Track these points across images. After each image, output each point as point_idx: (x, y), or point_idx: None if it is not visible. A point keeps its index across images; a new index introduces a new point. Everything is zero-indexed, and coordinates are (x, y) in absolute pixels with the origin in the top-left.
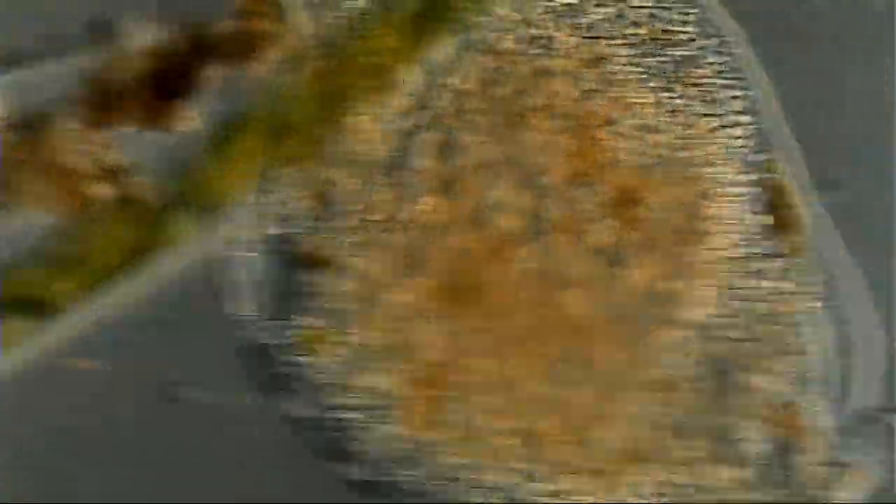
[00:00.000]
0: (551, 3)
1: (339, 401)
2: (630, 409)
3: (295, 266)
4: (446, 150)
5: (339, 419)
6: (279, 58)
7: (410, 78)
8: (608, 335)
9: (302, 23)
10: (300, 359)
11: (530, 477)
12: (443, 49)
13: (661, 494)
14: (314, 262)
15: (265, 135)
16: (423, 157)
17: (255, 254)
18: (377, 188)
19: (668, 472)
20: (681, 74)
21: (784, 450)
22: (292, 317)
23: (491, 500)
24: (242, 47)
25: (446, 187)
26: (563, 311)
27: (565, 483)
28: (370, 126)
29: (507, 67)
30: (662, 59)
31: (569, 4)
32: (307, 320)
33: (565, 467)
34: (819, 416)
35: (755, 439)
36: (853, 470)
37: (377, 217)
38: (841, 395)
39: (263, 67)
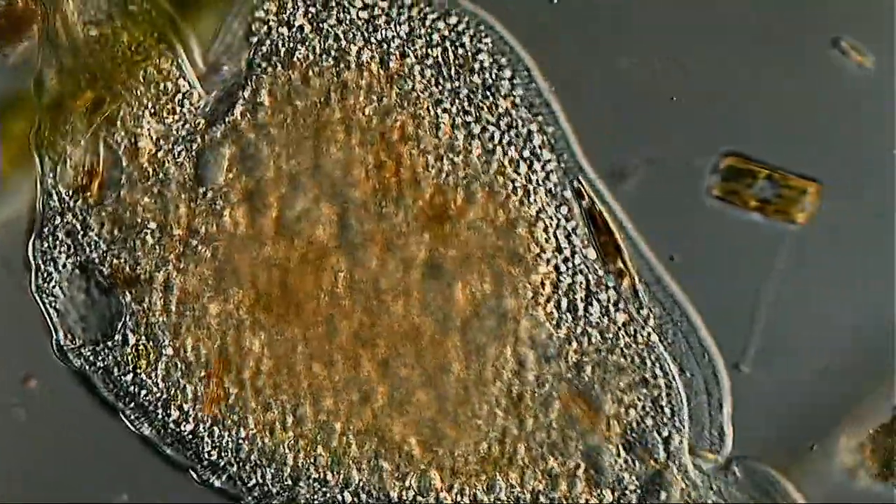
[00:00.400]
0: (344, 16)
1: (175, 415)
2: (477, 415)
3: (103, 289)
4: (245, 163)
5: (180, 433)
6: (47, 39)
7: (187, 74)
8: (439, 343)
9: (69, 5)
10: (126, 378)
11: (379, 474)
12: (234, 62)
13: (517, 498)
14: (121, 282)
15: (37, 115)
16: (222, 172)
17: (63, 281)
18: (176, 204)
19: (524, 478)
20: (478, 101)
21: (649, 482)
22: (110, 339)
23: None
24: (10, 27)
25: (250, 199)
26: (388, 319)
27: (418, 480)
28: (153, 146)
29: (302, 79)
30: (457, 83)
31: (362, 18)
32: (125, 340)
33: (416, 466)
34: (679, 452)
35: (616, 464)
36: None
37: (178, 232)
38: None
39: (31, 48)
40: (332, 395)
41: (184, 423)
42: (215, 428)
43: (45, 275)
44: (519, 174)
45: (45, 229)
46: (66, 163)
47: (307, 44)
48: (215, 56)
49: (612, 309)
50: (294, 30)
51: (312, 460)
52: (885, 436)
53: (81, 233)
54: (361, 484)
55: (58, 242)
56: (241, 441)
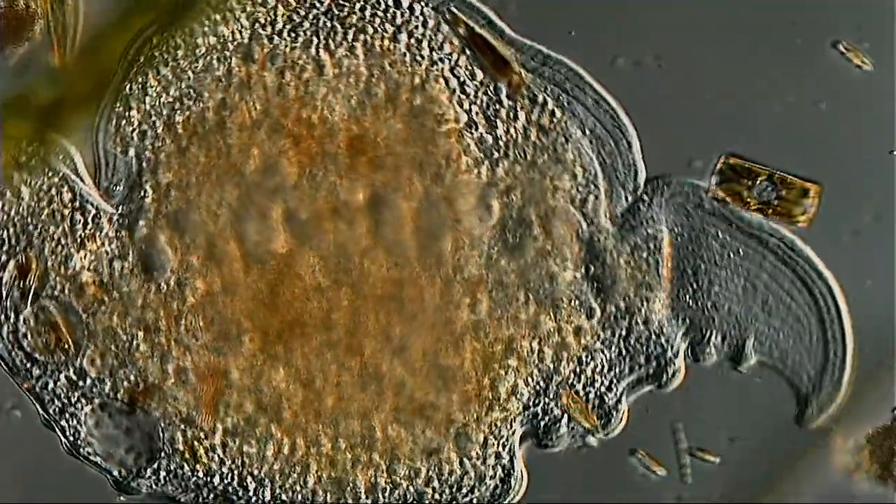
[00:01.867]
0: (199, 62)
1: (252, 486)
2: (464, 321)
3: (129, 412)
4: (184, 237)
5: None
6: (46, 39)
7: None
8: (419, 276)
9: (68, 6)
10: (198, 475)
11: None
12: (124, 181)
13: (530, 373)
14: (141, 398)
15: (34, 115)
16: (170, 257)
17: (91, 430)
18: (145, 304)
19: (524, 348)
20: (335, 14)
21: (587, 255)
22: (160, 451)
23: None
24: (10, 29)
25: (209, 255)
26: (369, 287)
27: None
28: (93, 275)
29: (195, 139)
30: (311, 13)
31: (214, 47)
32: (174, 441)
33: (452, 425)
34: (596, 211)
35: (566, 267)
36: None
37: (164, 324)
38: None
39: (31, 48)
40: (358, 393)
41: (260, 489)
42: (287, 482)
43: (72, 432)
44: (399, 43)
45: (46, 397)
46: (29, 334)
47: (183, 110)
48: (105, 182)
49: (512, 115)
50: (171, 122)
51: (374, 470)
52: (883, 437)
53: (81, 381)
54: (427, 471)
55: (66, 401)
56: (314, 488)
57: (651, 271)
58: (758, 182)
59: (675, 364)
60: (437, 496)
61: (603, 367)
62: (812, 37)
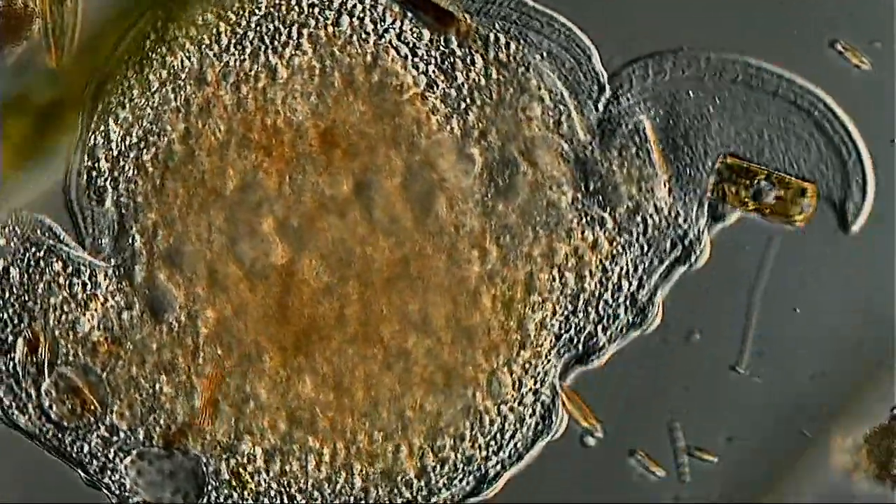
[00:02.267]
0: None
1: (302, 499)
2: (478, 274)
3: (168, 455)
4: (183, 272)
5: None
6: (45, 39)
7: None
8: (422, 247)
9: (67, 6)
10: (246, 502)
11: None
12: (109, 237)
13: (556, 301)
14: (176, 439)
15: (35, 114)
16: (175, 295)
17: (135, 480)
18: (160, 347)
19: (545, 280)
20: (275, 15)
21: (580, 173)
22: (206, 484)
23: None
24: (9, 28)
25: (213, 282)
26: (376, 274)
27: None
28: (104, 332)
29: (169, 175)
30: (254, 26)
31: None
32: (220, 472)
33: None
34: (580, 121)
35: (564, 192)
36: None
37: (182, 361)
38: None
39: (30, 48)
40: (387, 376)
41: (311, 502)
42: (336, 488)
43: (117, 486)
44: (342, 26)
45: (84, 458)
46: (55, 405)
47: (149, 147)
48: (90, 239)
49: (469, 61)
50: (140, 162)
51: (419, 451)
52: (881, 437)
53: (115, 437)
54: (471, 431)
55: (104, 459)
56: (365, 486)
57: (645, 164)
58: (756, 182)
59: (701, 239)
60: (484, 453)
61: (629, 269)
62: (809, 28)
